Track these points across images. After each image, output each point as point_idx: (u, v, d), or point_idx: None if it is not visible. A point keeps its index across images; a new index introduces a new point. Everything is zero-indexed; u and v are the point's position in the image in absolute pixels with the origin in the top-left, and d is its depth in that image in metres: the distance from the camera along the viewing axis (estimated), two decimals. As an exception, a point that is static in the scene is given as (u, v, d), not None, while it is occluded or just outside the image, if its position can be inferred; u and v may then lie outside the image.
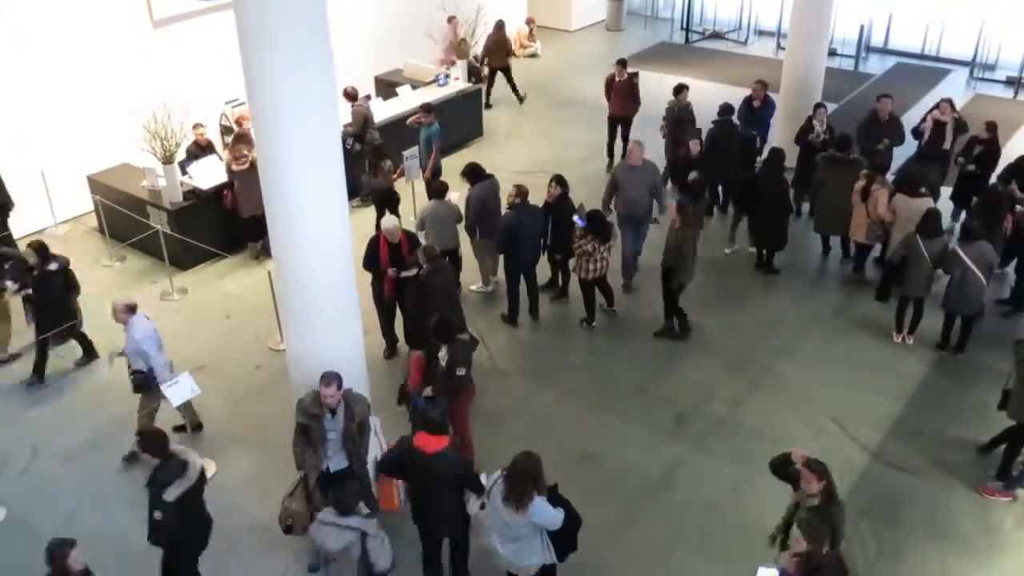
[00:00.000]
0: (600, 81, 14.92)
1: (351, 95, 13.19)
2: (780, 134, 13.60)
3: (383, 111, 14.15)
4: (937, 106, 12.32)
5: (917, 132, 12.36)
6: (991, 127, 11.75)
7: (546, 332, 10.67)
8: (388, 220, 9.65)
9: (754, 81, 13.32)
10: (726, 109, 12.67)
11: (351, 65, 13.04)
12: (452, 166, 14.59)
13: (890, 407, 9.28)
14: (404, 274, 9.33)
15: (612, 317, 10.74)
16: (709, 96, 15.76)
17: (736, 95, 13.74)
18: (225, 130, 13.34)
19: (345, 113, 13.04)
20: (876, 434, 8.93)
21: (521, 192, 10.36)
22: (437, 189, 10.70)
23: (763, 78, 13.42)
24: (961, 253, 9.48)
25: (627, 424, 9.13)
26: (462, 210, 10.86)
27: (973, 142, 11.84)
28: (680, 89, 13.33)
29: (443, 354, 7.89)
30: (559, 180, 10.52)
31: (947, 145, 12.13)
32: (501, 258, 10.88)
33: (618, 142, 14.44)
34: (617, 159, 14.12)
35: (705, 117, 13.05)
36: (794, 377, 9.74)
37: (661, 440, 8.89)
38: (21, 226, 11.98)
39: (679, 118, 13.24)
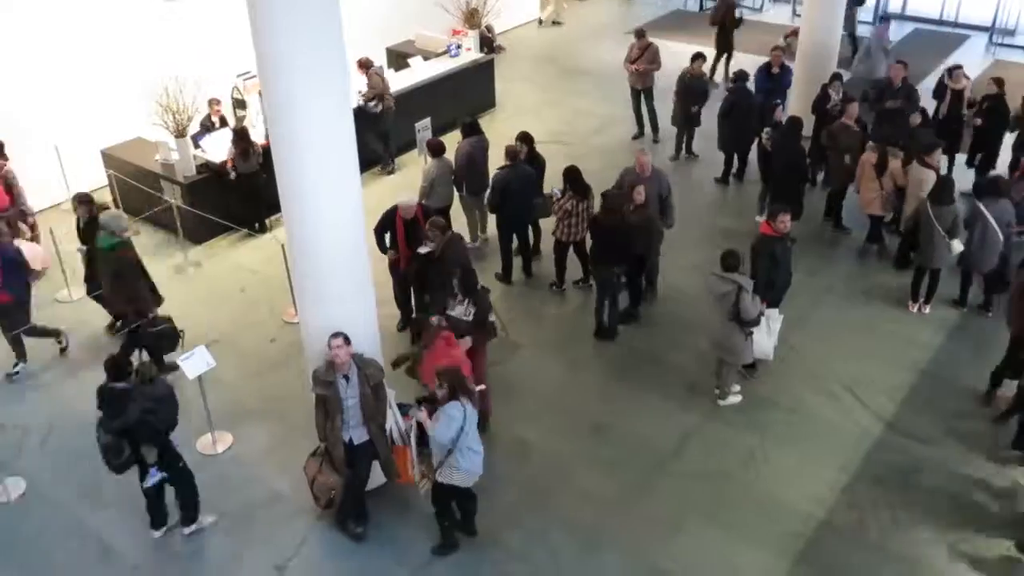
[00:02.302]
0: (613, 50, 14.79)
1: (365, 65, 13.16)
2: (796, 102, 13.47)
3: (394, 82, 14.09)
4: (950, 75, 12.23)
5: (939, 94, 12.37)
6: (998, 82, 11.76)
7: (555, 303, 10.67)
8: (403, 197, 9.71)
9: (771, 48, 13.18)
10: (741, 76, 12.56)
11: (362, 36, 12.96)
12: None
13: (905, 376, 9.24)
14: (422, 250, 9.30)
15: (586, 290, 10.74)
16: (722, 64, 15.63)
17: (751, 63, 13.60)
18: (237, 103, 13.33)
19: (359, 83, 13.08)
20: (891, 403, 8.91)
21: (511, 153, 10.58)
22: (435, 148, 10.97)
23: (780, 44, 13.27)
24: (983, 209, 9.41)
25: (639, 394, 9.14)
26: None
27: (983, 98, 11.85)
28: (696, 57, 13.22)
29: (465, 308, 8.16)
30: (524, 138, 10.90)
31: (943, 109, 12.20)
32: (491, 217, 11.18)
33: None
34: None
35: (721, 85, 12.94)
36: (809, 347, 9.70)
37: (674, 410, 8.90)
38: (35, 201, 12.01)
39: (689, 87, 13.13)
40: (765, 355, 8.96)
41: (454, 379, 6.85)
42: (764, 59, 13.29)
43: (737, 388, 8.93)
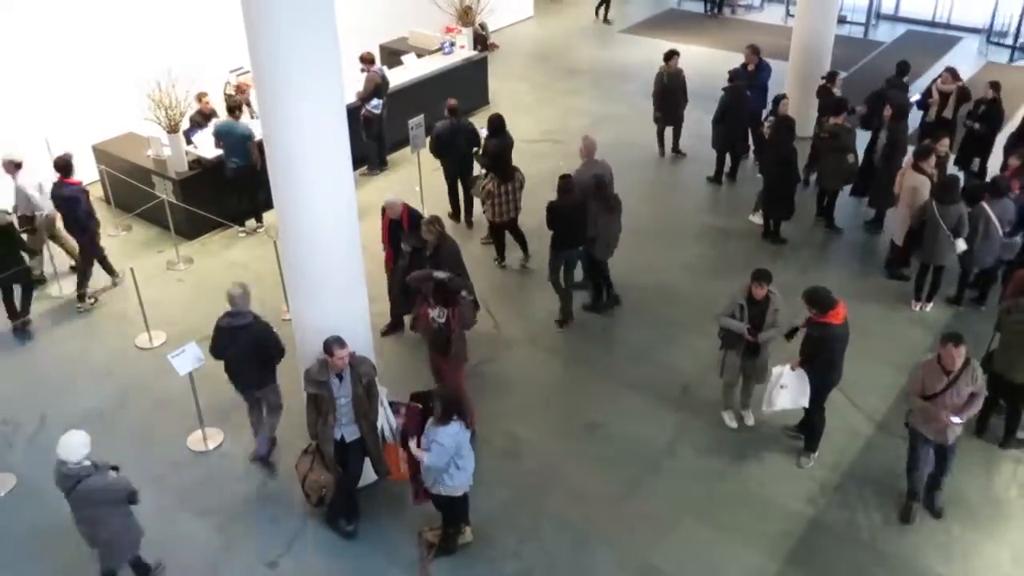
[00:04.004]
0: (605, 47, 14.76)
1: (368, 60, 13.09)
2: (789, 102, 13.46)
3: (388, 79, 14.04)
4: (939, 76, 12.30)
5: (924, 103, 12.34)
6: (995, 86, 11.78)
7: (548, 300, 10.62)
8: (390, 195, 9.67)
9: (745, 47, 13.15)
10: (737, 74, 12.55)
11: (356, 33, 12.92)
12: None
13: (897, 377, 9.25)
14: (405, 247, 9.27)
15: (528, 270, 10.86)
16: (716, 63, 15.63)
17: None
18: (229, 99, 13.25)
19: (354, 79, 12.99)
20: (883, 404, 8.93)
21: (450, 108, 11.29)
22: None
23: (755, 43, 13.21)
24: (987, 207, 9.49)
25: (633, 393, 9.14)
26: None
27: (978, 102, 11.87)
28: (670, 55, 13.14)
29: (438, 312, 8.02)
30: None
31: (948, 113, 12.17)
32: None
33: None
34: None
35: (715, 85, 12.93)
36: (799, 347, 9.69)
37: (667, 409, 8.90)
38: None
39: (668, 86, 13.08)
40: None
41: (448, 399, 6.76)
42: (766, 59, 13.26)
43: (729, 413, 8.80)
